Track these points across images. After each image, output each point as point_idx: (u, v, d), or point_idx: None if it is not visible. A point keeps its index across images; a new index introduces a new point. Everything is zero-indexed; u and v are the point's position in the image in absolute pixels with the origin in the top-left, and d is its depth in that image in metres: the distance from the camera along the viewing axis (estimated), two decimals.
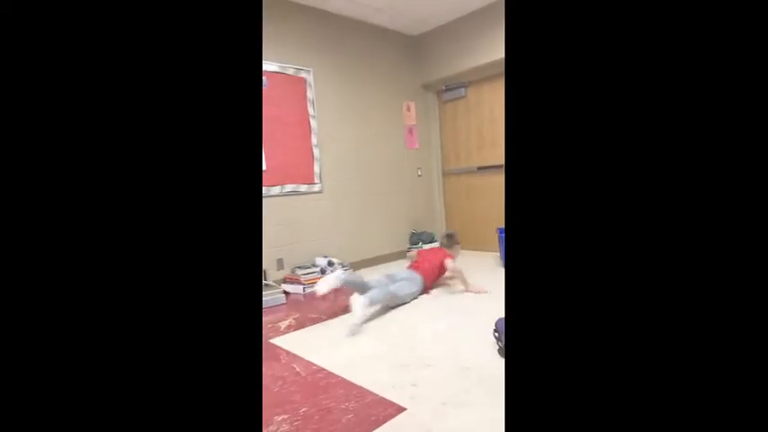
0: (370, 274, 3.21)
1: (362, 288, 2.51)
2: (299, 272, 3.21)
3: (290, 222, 3.37)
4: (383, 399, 1.48)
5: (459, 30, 3.99)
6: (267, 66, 3.25)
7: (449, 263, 2.85)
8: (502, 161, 3.95)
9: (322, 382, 1.66)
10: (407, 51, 4.35)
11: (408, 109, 4.35)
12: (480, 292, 2.71)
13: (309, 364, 1.85)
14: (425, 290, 2.83)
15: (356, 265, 3.75)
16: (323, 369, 1.78)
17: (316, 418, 1.39)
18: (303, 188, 3.45)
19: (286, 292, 3.02)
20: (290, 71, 3.40)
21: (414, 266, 2.91)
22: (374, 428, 1.30)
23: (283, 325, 2.43)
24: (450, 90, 4.34)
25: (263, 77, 3.23)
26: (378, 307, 2.51)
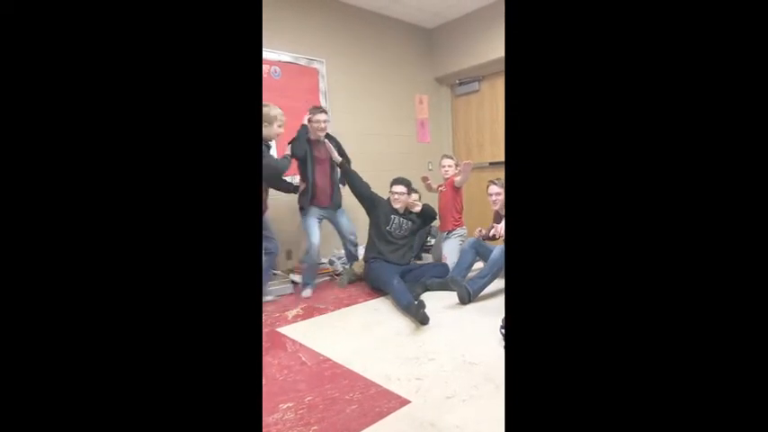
0: None
1: None
2: None
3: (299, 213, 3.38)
4: (388, 391, 1.48)
5: (474, 23, 3.94)
6: (279, 56, 3.25)
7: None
8: None
9: (327, 371, 1.67)
10: (421, 44, 4.31)
11: (421, 102, 4.32)
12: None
13: (315, 353, 1.86)
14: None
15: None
16: (328, 359, 1.78)
17: (320, 407, 1.40)
18: None
19: (294, 282, 3.04)
20: (303, 62, 3.40)
21: None
22: (378, 420, 1.30)
23: (291, 314, 2.44)
24: (463, 84, 4.30)
25: (276, 67, 3.23)
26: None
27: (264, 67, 3.16)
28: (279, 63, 3.25)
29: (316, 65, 3.48)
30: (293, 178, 2.96)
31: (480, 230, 2.83)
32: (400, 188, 2.83)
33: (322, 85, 3.52)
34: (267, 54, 3.16)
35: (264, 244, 2.54)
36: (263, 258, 2.54)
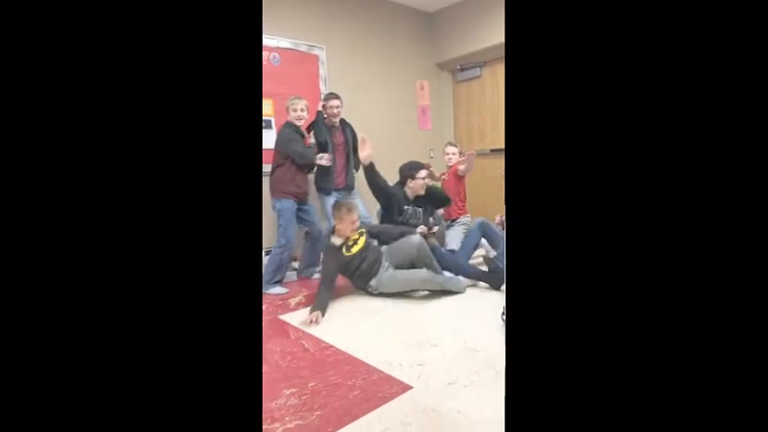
0: None
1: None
2: None
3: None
4: (390, 376, 1.50)
5: (476, 7, 3.88)
6: (279, 42, 3.21)
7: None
8: None
9: (330, 358, 1.69)
10: (423, 29, 4.25)
11: (422, 88, 4.28)
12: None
13: (318, 340, 1.87)
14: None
15: None
16: (331, 345, 1.80)
17: (323, 393, 1.42)
18: None
19: (296, 270, 3.06)
20: (303, 48, 3.36)
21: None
22: (380, 405, 1.32)
23: (293, 302, 2.46)
24: (464, 70, 4.25)
25: (275, 54, 3.20)
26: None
27: (264, 54, 3.12)
28: (278, 49, 3.21)
29: (316, 51, 3.43)
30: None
31: (501, 216, 2.86)
32: (423, 172, 2.86)
33: (322, 72, 3.48)
34: (266, 40, 3.12)
35: (307, 228, 2.84)
36: (308, 243, 2.89)
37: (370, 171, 2.80)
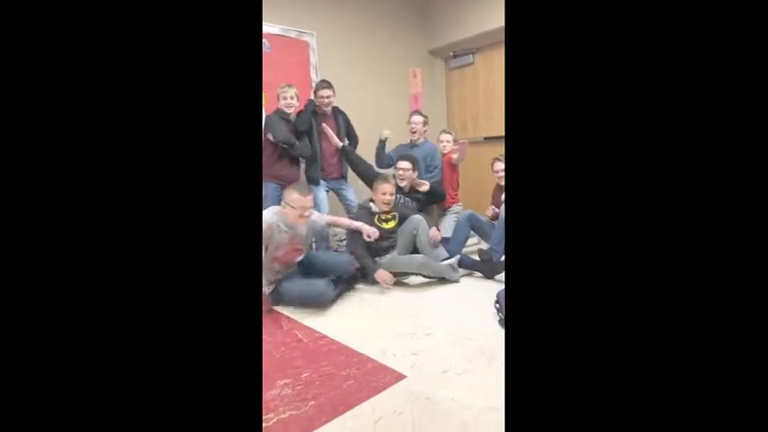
0: None
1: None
2: None
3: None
4: (384, 366, 1.50)
5: None
6: (268, 28, 3.14)
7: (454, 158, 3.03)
8: None
9: (323, 348, 1.68)
10: (415, 15, 4.18)
11: (415, 76, 4.23)
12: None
13: (311, 330, 1.87)
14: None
15: None
16: (324, 336, 1.80)
17: (317, 383, 1.42)
18: None
19: None
20: (293, 34, 3.29)
21: None
22: (374, 395, 1.32)
23: None
24: (457, 57, 4.20)
25: (265, 40, 3.13)
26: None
27: None
28: (268, 36, 3.14)
29: (306, 37, 3.37)
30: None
31: (494, 209, 2.84)
32: (406, 164, 2.78)
33: (312, 59, 3.42)
34: None
35: None
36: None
37: (345, 154, 2.81)
